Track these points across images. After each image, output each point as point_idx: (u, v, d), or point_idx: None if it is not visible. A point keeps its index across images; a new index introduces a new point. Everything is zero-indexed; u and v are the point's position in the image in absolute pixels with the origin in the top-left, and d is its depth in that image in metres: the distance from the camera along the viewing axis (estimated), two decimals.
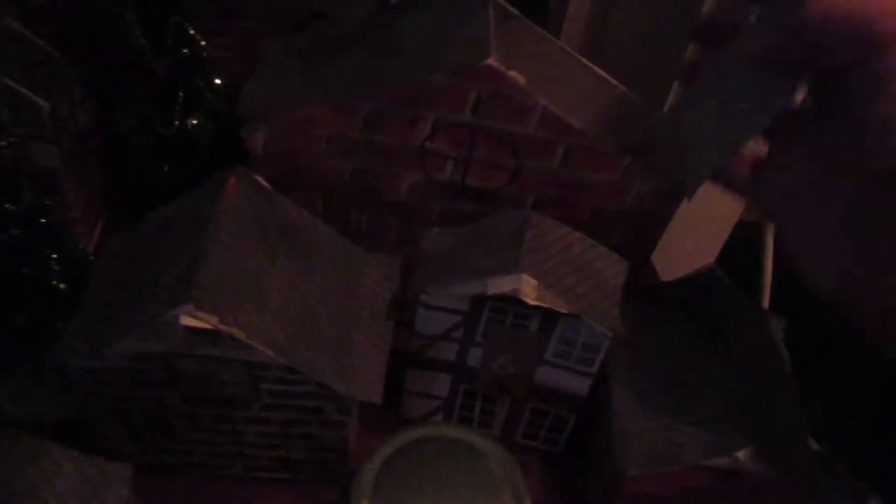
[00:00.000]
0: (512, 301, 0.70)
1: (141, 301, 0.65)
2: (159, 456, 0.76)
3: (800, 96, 0.45)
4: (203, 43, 0.94)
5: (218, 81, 0.99)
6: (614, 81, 0.82)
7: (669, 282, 0.84)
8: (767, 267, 1.06)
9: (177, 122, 0.96)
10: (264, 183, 0.76)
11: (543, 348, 0.74)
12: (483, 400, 0.82)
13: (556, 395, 0.79)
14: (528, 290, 0.68)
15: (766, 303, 1.06)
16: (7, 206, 0.75)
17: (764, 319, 0.80)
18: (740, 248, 1.22)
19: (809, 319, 0.95)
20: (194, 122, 0.97)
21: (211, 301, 0.62)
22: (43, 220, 0.77)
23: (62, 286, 0.79)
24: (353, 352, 0.72)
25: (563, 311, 0.69)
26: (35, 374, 0.76)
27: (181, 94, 0.95)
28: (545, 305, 0.69)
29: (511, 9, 0.80)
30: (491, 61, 0.70)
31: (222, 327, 0.62)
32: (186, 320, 0.61)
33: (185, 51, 0.92)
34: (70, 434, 0.70)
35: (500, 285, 0.69)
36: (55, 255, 0.79)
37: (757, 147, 0.49)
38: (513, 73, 0.71)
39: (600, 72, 0.81)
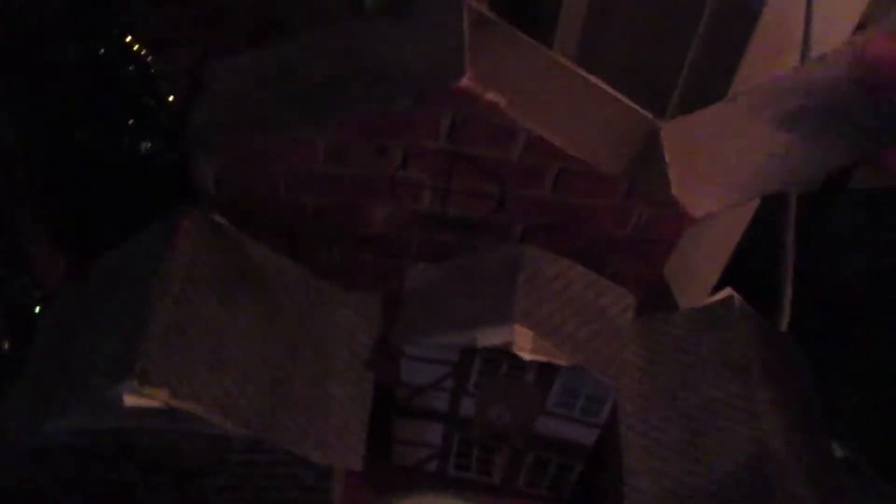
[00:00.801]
0: (504, 352, 0.63)
1: (82, 371, 0.59)
2: None
3: None
4: (150, 58, 0.86)
5: (171, 98, 0.91)
6: (612, 91, 0.74)
7: (685, 311, 0.77)
8: (787, 284, 0.99)
9: (126, 146, 0.88)
10: (221, 220, 0.68)
11: (543, 399, 0.68)
12: (480, 449, 0.75)
13: (560, 445, 0.73)
14: (523, 342, 0.62)
15: (784, 323, 0.99)
16: None
17: (791, 352, 0.74)
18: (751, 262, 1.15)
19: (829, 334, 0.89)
20: (148, 144, 0.89)
21: (160, 371, 0.56)
22: None
23: (5, 345, 0.71)
24: (329, 410, 0.66)
25: (563, 364, 0.62)
26: None
27: (129, 116, 0.87)
28: (542, 359, 0.61)
29: (489, 14, 0.72)
30: (465, 82, 0.63)
31: (174, 403, 0.55)
32: (131, 399, 0.54)
33: (129, 68, 0.84)
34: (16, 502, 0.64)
35: (490, 337, 0.62)
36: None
37: None
38: (491, 95, 0.63)
39: (596, 81, 0.74)
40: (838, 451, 0.73)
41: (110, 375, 0.56)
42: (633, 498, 0.66)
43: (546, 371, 0.65)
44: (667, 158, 0.72)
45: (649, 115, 0.76)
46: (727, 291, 0.78)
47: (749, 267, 1.08)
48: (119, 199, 0.94)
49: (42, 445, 0.60)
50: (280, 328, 0.67)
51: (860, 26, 0.98)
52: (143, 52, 0.85)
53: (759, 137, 0.71)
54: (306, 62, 0.75)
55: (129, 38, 0.84)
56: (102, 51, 0.82)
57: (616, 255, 0.75)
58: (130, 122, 0.87)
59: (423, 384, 0.70)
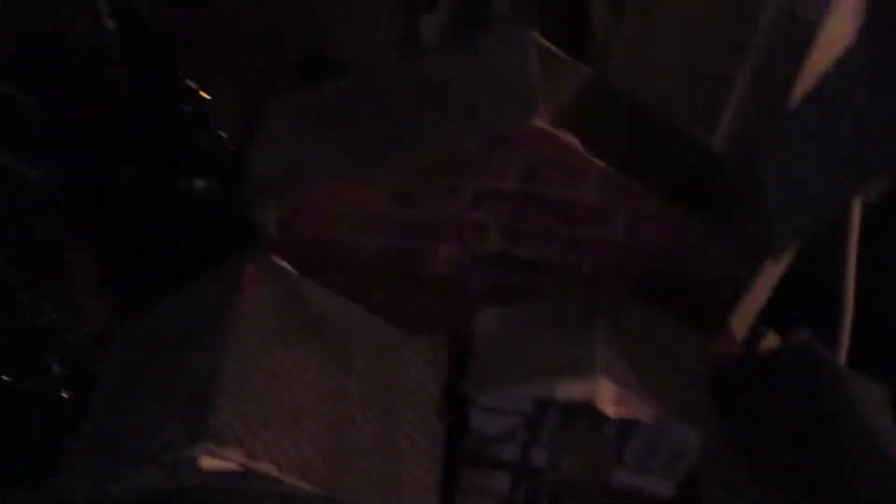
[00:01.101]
0: (584, 405, 0.60)
1: (151, 428, 0.56)
2: None
3: None
4: (205, 96, 0.84)
5: (223, 135, 0.89)
6: (677, 124, 0.71)
7: (757, 354, 0.73)
8: (846, 314, 0.95)
9: (182, 185, 0.86)
10: (286, 266, 0.66)
11: (621, 452, 0.65)
12: (548, 499, 0.72)
13: (635, 499, 0.69)
14: (607, 396, 0.59)
15: (842, 357, 0.95)
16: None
17: (870, 396, 0.70)
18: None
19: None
20: (202, 183, 0.87)
21: (234, 431, 0.53)
22: (41, 326, 0.67)
23: (65, 395, 0.69)
24: (400, 464, 0.63)
25: (648, 419, 0.59)
26: (37, 495, 0.66)
27: (184, 154, 0.84)
28: (626, 415, 0.58)
29: (552, 48, 0.69)
30: (538, 123, 0.60)
31: (251, 465, 0.52)
32: (206, 461, 0.51)
33: (186, 108, 0.82)
34: None
35: (572, 391, 0.59)
36: (57, 362, 0.68)
37: None
38: (564, 135, 0.60)
39: (660, 114, 0.71)
40: None
41: (182, 435, 0.53)
42: None
43: (627, 424, 0.62)
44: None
45: (717, 151, 0.72)
46: (803, 334, 0.75)
47: (799, 294, 1.04)
48: (171, 237, 0.92)
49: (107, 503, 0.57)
50: (347, 379, 0.64)
51: None
52: (196, 89, 0.83)
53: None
54: (367, 101, 0.72)
55: (185, 79, 0.81)
56: (157, 87, 0.80)
57: (687, 296, 0.71)
58: (184, 160, 0.85)
59: (494, 434, 0.67)
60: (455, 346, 0.72)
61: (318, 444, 0.59)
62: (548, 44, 0.68)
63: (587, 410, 0.61)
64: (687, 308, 0.71)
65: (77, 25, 0.85)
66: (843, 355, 0.92)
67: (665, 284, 0.70)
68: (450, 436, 0.69)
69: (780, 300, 0.88)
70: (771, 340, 0.86)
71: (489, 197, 0.66)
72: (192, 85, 0.84)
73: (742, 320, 0.86)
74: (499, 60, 0.69)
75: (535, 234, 0.70)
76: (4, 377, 0.69)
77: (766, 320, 0.83)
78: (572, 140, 0.63)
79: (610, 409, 0.59)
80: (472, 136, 0.64)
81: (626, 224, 0.68)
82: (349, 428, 0.62)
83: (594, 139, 0.66)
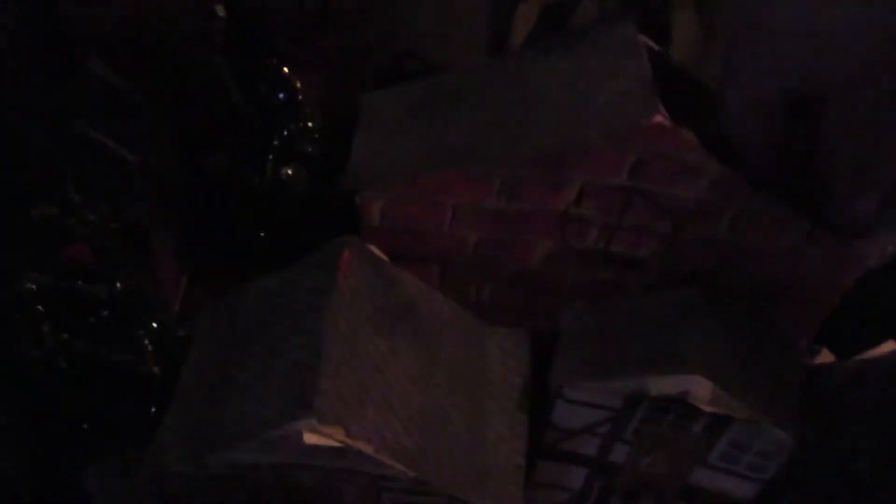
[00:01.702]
0: (676, 401, 0.58)
1: (250, 403, 0.55)
2: None
3: None
4: (299, 85, 0.83)
5: (310, 125, 0.89)
6: None
7: (845, 366, 0.71)
8: None
9: (270, 172, 0.85)
10: (379, 254, 0.65)
11: (707, 451, 0.63)
12: (622, 497, 0.70)
13: (713, 499, 0.67)
14: (703, 393, 0.57)
15: None
16: (98, 288, 0.65)
17: None
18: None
19: None
20: (289, 171, 0.86)
21: (335, 410, 0.52)
22: (135, 300, 0.67)
23: (156, 370, 0.69)
24: (486, 454, 0.62)
25: (742, 416, 0.57)
26: (126, 465, 0.67)
27: (274, 142, 0.84)
28: (721, 412, 0.56)
29: (656, 46, 0.67)
30: (659, 119, 0.58)
31: (349, 441, 0.51)
32: (308, 437, 0.50)
33: (280, 95, 0.81)
34: None
35: (665, 386, 0.58)
36: (147, 339, 0.68)
37: None
38: (683, 132, 0.58)
39: None
40: None
41: (285, 411, 0.52)
42: None
43: (718, 422, 0.60)
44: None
45: None
46: (892, 345, 0.72)
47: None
48: (254, 224, 0.92)
49: (202, 476, 0.57)
50: (437, 368, 0.63)
51: None
52: (293, 79, 0.82)
53: None
54: (467, 96, 0.71)
55: (282, 67, 0.81)
56: (262, 85, 0.79)
57: (782, 299, 0.69)
58: (275, 146, 0.84)
59: (575, 428, 0.66)
60: (540, 340, 0.70)
61: (410, 428, 0.58)
62: (653, 44, 0.67)
63: (679, 407, 0.60)
64: (780, 311, 0.68)
65: (189, 12, 0.85)
66: None
67: (760, 285, 0.68)
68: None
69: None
70: (825, 356, 0.84)
71: (596, 192, 0.64)
72: (287, 74, 0.83)
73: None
74: (608, 58, 0.67)
75: (636, 230, 0.68)
76: (102, 349, 0.69)
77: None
78: (691, 137, 0.61)
79: (705, 406, 0.57)
80: (591, 129, 0.62)
81: (730, 222, 0.66)
82: (438, 415, 0.61)
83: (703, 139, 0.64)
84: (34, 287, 0.66)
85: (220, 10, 0.79)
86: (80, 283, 0.67)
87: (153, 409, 0.69)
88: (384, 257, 0.66)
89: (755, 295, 0.68)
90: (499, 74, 0.71)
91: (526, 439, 0.64)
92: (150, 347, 0.72)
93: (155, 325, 0.74)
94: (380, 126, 0.73)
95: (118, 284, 0.69)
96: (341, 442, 0.52)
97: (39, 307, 0.67)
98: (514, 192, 0.65)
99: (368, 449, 0.53)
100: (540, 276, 0.71)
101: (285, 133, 0.86)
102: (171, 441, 0.59)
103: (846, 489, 0.66)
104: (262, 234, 0.91)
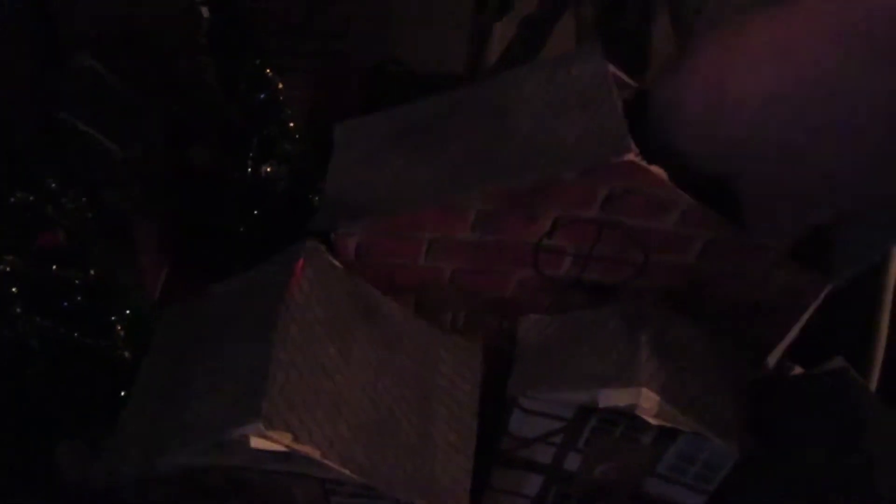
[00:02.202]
0: (626, 414, 0.57)
1: (201, 406, 0.55)
2: None
3: None
4: (280, 85, 0.83)
5: (291, 125, 0.88)
6: None
7: (791, 378, 0.70)
8: (879, 343, 0.91)
9: (250, 169, 0.85)
10: (335, 262, 0.64)
11: (656, 462, 0.62)
12: (578, 502, 0.70)
13: None
14: (649, 405, 0.57)
15: (873, 383, 0.91)
16: (72, 273, 0.65)
17: None
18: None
19: None
20: (268, 168, 0.86)
21: (283, 415, 0.52)
22: (109, 286, 0.67)
23: (127, 355, 0.69)
24: (434, 459, 0.61)
25: (687, 430, 0.57)
26: (95, 442, 0.68)
27: (255, 139, 0.84)
28: (667, 425, 0.56)
29: (627, 79, 0.67)
30: (631, 157, 0.58)
31: (296, 447, 0.51)
32: (256, 441, 0.50)
33: (261, 95, 0.81)
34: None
35: (614, 398, 0.57)
36: (120, 325, 0.68)
37: None
38: (654, 168, 0.58)
39: None
40: None
41: (234, 415, 0.52)
42: None
43: (665, 435, 0.60)
44: None
45: None
46: (839, 362, 0.72)
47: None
48: (234, 219, 0.92)
49: (152, 477, 0.57)
50: (388, 373, 0.63)
51: None
52: (275, 80, 0.82)
53: None
54: (441, 128, 0.70)
55: (263, 64, 0.80)
56: (243, 84, 0.79)
57: (744, 319, 0.69)
58: (255, 143, 0.84)
59: (531, 437, 0.65)
60: (493, 350, 0.70)
61: (359, 434, 0.57)
62: (627, 79, 0.66)
63: (627, 419, 0.59)
64: (742, 328, 0.68)
65: (174, 12, 0.85)
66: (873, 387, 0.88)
67: (725, 305, 0.68)
68: (483, 436, 0.67)
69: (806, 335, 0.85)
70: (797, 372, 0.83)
71: (569, 224, 0.64)
72: (270, 74, 0.83)
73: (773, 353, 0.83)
74: (580, 91, 0.66)
75: (608, 260, 0.67)
76: (73, 332, 0.69)
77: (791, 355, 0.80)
78: (661, 173, 0.61)
79: (651, 419, 0.57)
80: (564, 166, 0.61)
81: (700, 249, 0.65)
82: (388, 421, 0.60)
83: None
84: (7, 269, 0.66)
85: (205, 12, 0.79)
86: (53, 267, 0.67)
87: (122, 393, 0.69)
88: (339, 264, 0.65)
89: (719, 313, 0.67)
90: (472, 107, 0.70)
91: (474, 445, 0.64)
92: (122, 333, 0.72)
93: (128, 311, 0.74)
94: (353, 157, 0.72)
95: (91, 271, 0.69)
96: (288, 447, 0.51)
97: (13, 289, 0.67)
98: (488, 225, 0.64)
99: (315, 454, 0.53)
100: (515, 304, 0.71)
101: (266, 132, 0.86)
102: (124, 442, 0.59)
103: (791, 492, 0.65)
104: (241, 229, 0.91)
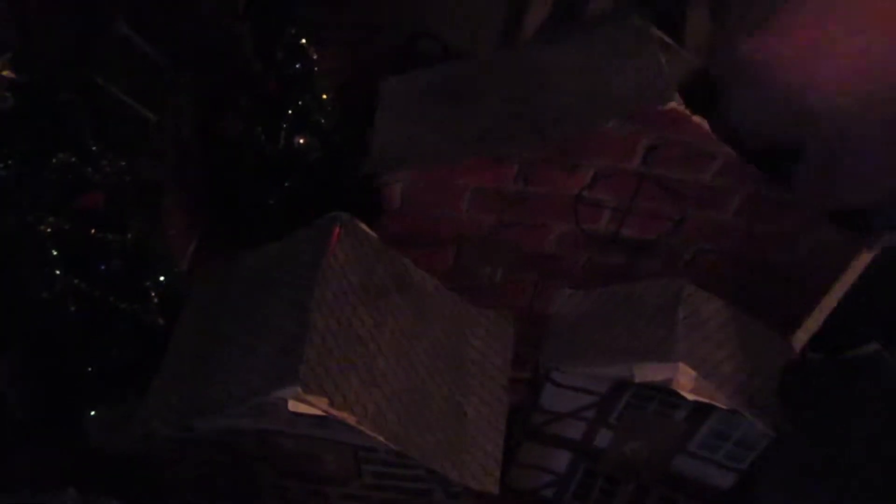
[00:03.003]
0: (660, 389, 0.55)
1: (237, 371, 0.54)
2: None
3: None
4: (315, 58, 0.81)
5: (325, 97, 0.86)
6: None
7: (826, 361, 0.68)
8: None
9: (283, 140, 0.83)
10: (370, 232, 0.63)
11: (688, 439, 0.60)
12: (605, 481, 0.68)
13: (692, 487, 0.65)
14: (685, 381, 0.55)
15: None
16: (111, 236, 0.63)
17: None
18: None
19: None
20: (301, 140, 0.84)
21: (319, 380, 0.50)
22: (145, 252, 0.65)
23: (160, 321, 0.67)
24: (465, 430, 0.60)
25: (723, 406, 0.55)
26: (126, 410, 0.65)
27: (289, 110, 0.81)
28: (703, 400, 0.54)
29: (668, 40, 0.65)
30: (674, 105, 0.57)
31: (332, 412, 0.49)
32: (293, 405, 0.48)
33: (297, 66, 0.79)
34: (148, 470, 0.61)
35: (650, 373, 0.55)
36: (154, 291, 0.66)
37: None
38: (696, 118, 0.56)
39: None
40: None
41: (271, 380, 0.50)
42: None
43: (699, 411, 0.58)
44: None
45: None
46: (874, 346, 0.69)
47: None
48: (264, 190, 0.90)
49: (188, 439, 0.55)
50: (420, 344, 0.61)
51: None
52: (310, 51, 0.80)
53: None
54: (485, 83, 0.69)
55: (301, 37, 0.78)
56: (280, 54, 0.77)
57: (773, 285, 0.67)
58: (288, 116, 0.82)
59: (562, 411, 0.64)
60: (523, 321, 0.68)
61: (392, 401, 0.56)
62: (664, 36, 0.64)
63: (663, 394, 0.57)
64: (775, 297, 0.66)
65: None
66: None
67: (760, 269, 0.66)
68: (514, 409, 0.65)
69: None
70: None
71: (609, 177, 0.62)
72: (305, 45, 0.81)
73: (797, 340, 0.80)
74: (621, 50, 0.65)
75: (647, 214, 0.66)
76: (109, 296, 0.67)
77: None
78: (703, 124, 0.59)
79: (688, 394, 0.55)
80: (607, 116, 0.60)
81: (738, 207, 0.64)
82: (420, 390, 0.59)
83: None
84: (49, 230, 0.64)
85: None
86: (92, 230, 0.66)
87: (154, 359, 0.67)
88: (374, 234, 0.64)
89: (754, 276, 0.65)
90: (513, 64, 0.70)
91: (505, 418, 0.62)
92: (155, 299, 0.70)
93: (162, 278, 0.72)
94: (399, 111, 0.71)
95: (129, 235, 0.67)
96: (324, 412, 0.50)
97: (53, 251, 0.66)
98: (530, 177, 0.63)
99: (351, 420, 0.51)
100: (553, 260, 0.69)
101: (300, 103, 0.84)
102: (158, 404, 0.57)
103: (825, 472, 0.63)
104: (270, 202, 0.89)
